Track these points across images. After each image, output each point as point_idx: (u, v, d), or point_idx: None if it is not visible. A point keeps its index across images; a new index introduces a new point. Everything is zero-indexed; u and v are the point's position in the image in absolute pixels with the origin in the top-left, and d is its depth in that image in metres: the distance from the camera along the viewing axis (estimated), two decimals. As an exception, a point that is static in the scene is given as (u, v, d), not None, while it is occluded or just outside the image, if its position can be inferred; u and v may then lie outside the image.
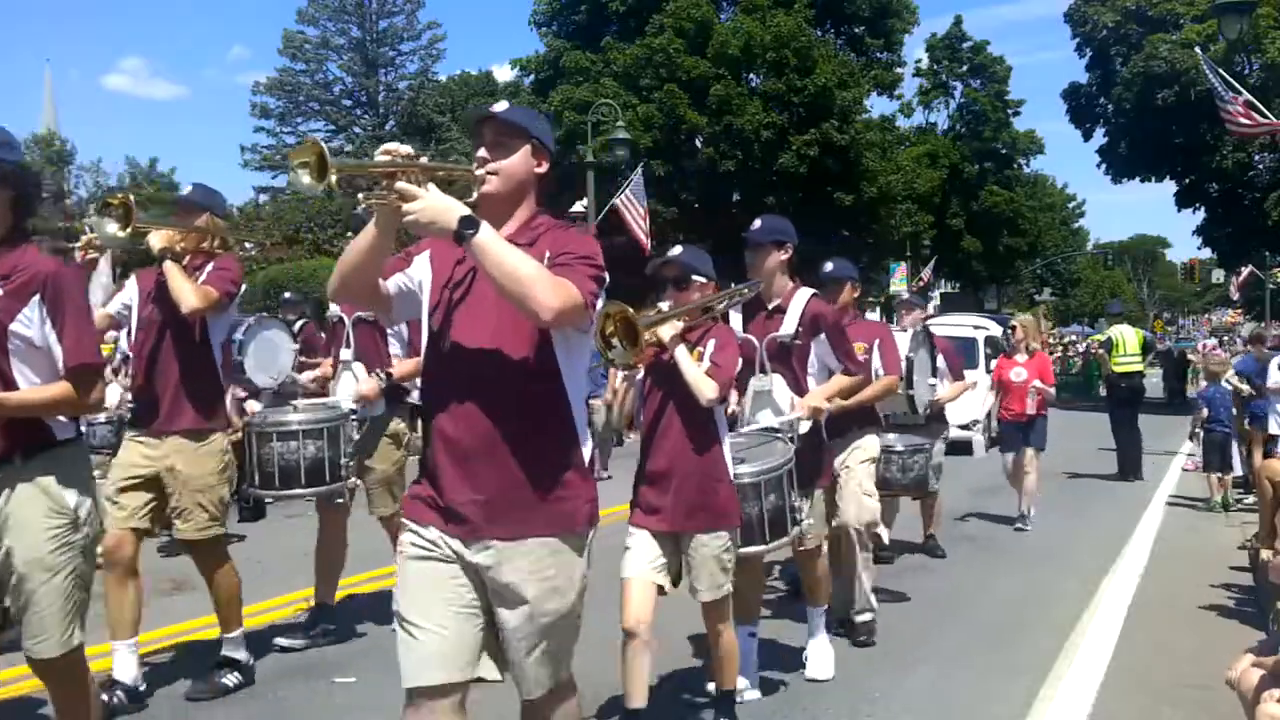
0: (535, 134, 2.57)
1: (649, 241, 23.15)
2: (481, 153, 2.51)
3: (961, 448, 12.12)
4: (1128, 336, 12.37)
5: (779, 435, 4.18)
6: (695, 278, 3.85)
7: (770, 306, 4.48)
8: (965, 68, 48.30)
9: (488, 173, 2.48)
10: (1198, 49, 22.56)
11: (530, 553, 2.45)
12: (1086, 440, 14.86)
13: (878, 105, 69.82)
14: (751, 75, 29.99)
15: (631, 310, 3.15)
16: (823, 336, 4.45)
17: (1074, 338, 39.51)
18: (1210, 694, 4.15)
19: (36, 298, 2.87)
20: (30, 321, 2.89)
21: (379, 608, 5.68)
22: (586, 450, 2.57)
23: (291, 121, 42.59)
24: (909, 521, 8.40)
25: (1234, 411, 10.17)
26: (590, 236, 2.60)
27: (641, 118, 28.29)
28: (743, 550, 3.84)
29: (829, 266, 5.45)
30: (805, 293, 4.50)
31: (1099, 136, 32.88)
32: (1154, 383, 25.07)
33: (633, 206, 22.13)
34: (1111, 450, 12.52)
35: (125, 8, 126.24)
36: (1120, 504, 10.32)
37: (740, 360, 4.15)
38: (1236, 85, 16.34)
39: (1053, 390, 9.27)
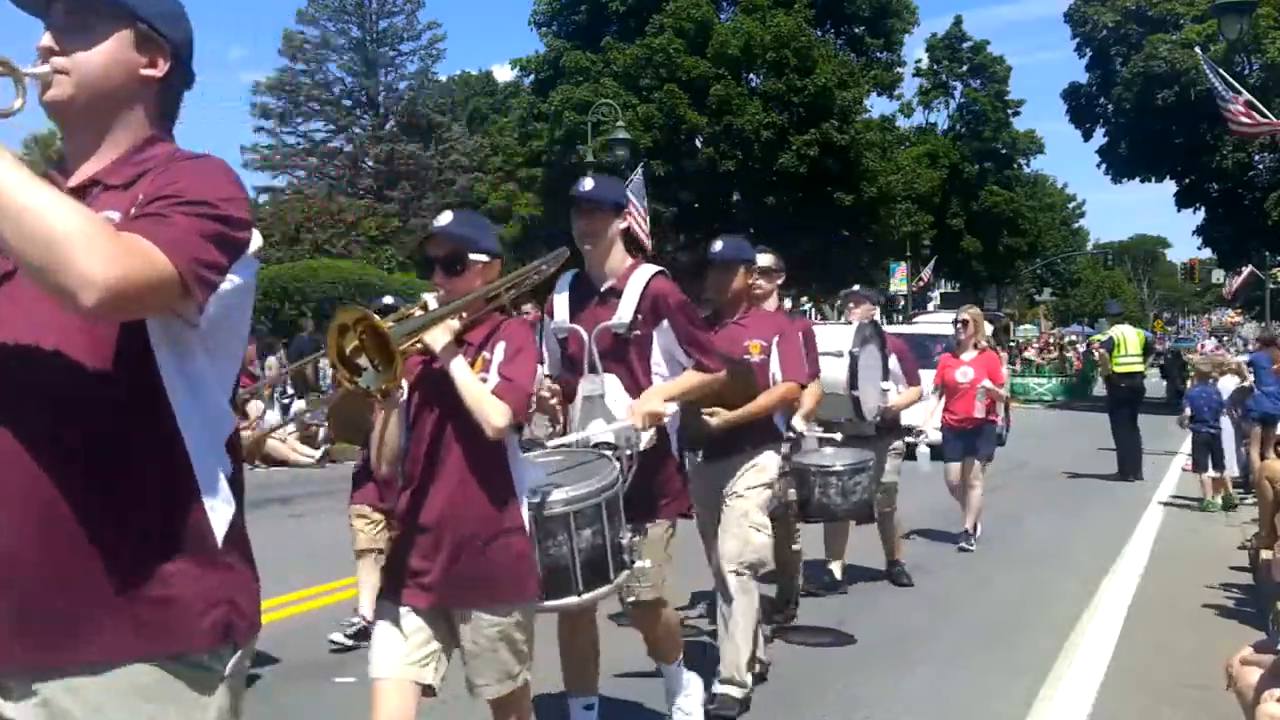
0: (141, 12, 1.57)
1: (650, 242, 23.17)
2: (46, 40, 1.57)
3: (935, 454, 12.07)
4: (1129, 336, 12.37)
5: (612, 453, 3.21)
6: (474, 257, 2.77)
7: (602, 289, 3.51)
8: (965, 68, 48.34)
9: (55, 70, 1.56)
10: (1198, 49, 22.57)
11: (105, 689, 1.41)
12: (1086, 440, 14.87)
13: (878, 105, 69.89)
14: (751, 75, 30.00)
15: (376, 316, 2.38)
16: (666, 324, 3.46)
17: (1074, 337, 39.50)
18: (1210, 694, 4.15)
19: None
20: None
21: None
22: (223, 516, 1.53)
23: (291, 121, 42.56)
24: (909, 522, 8.40)
25: (1231, 412, 10.16)
26: (224, 172, 1.57)
27: (641, 118, 28.29)
28: (548, 603, 2.90)
29: (717, 246, 4.45)
30: (646, 271, 3.51)
31: (1099, 136, 32.94)
32: (1154, 383, 25.09)
33: (633, 207, 22.14)
34: (1111, 450, 12.52)
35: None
36: (1120, 504, 10.32)
37: (548, 363, 3.60)
38: (1236, 85, 16.34)
39: (1004, 391, 8.26)
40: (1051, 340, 41.42)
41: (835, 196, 29.09)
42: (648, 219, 22.78)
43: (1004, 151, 48.04)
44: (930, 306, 57.00)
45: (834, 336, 5.52)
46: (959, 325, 8.15)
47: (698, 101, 28.69)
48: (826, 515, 5.11)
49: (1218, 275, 52.22)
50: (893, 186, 31.12)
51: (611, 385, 3.41)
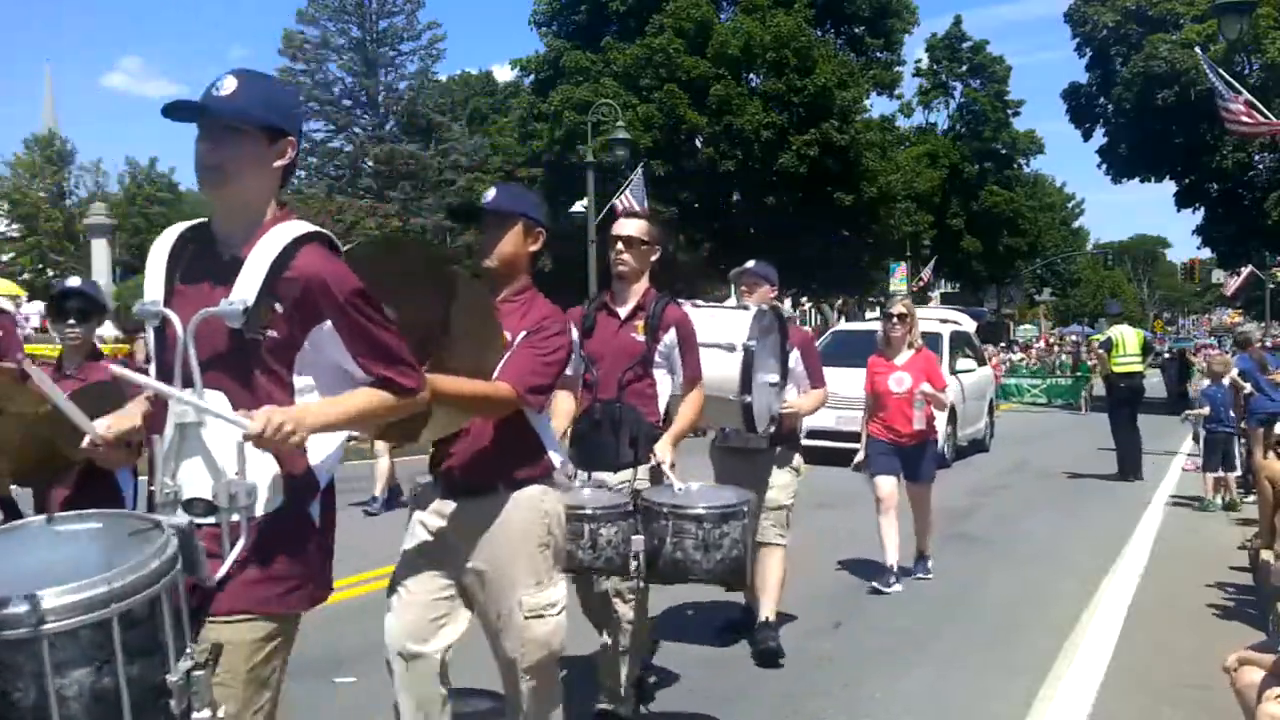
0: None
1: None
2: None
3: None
4: (1128, 337, 12.39)
5: (201, 518, 2.01)
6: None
7: (227, 259, 2.14)
8: (965, 68, 48.37)
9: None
10: (1198, 49, 22.58)
11: None
12: (1086, 440, 14.88)
13: (878, 105, 69.93)
14: (751, 75, 30.01)
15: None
16: (328, 324, 2.15)
17: (1074, 337, 39.50)
18: (1210, 694, 4.16)
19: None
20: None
21: (378, 607, 5.68)
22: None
23: (291, 121, 42.57)
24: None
25: (1231, 413, 10.18)
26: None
27: (641, 118, 28.29)
28: None
29: (489, 194, 3.24)
30: (288, 230, 2.12)
31: (1099, 136, 32.93)
32: (1154, 383, 25.07)
33: (631, 207, 22.16)
34: (1111, 450, 12.52)
35: (124, 7, 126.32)
36: (1120, 504, 10.32)
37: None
38: (1236, 85, 16.34)
39: (945, 397, 6.83)
40: (1053, 341, 41.44)
41: (835, 196, 29.09)
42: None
43: (1004, 151, 48.08)
44: (930, 306, 56.91)
45: (725, 324, 4.30)
46: (891, 322, 6.72)
47: (698, 101, 28.70)
48: (680, 574, 3.41)
49: (1218, 275, 52.27)
50: (893, 186, 31.12)
51: (216, 404, 2.05)
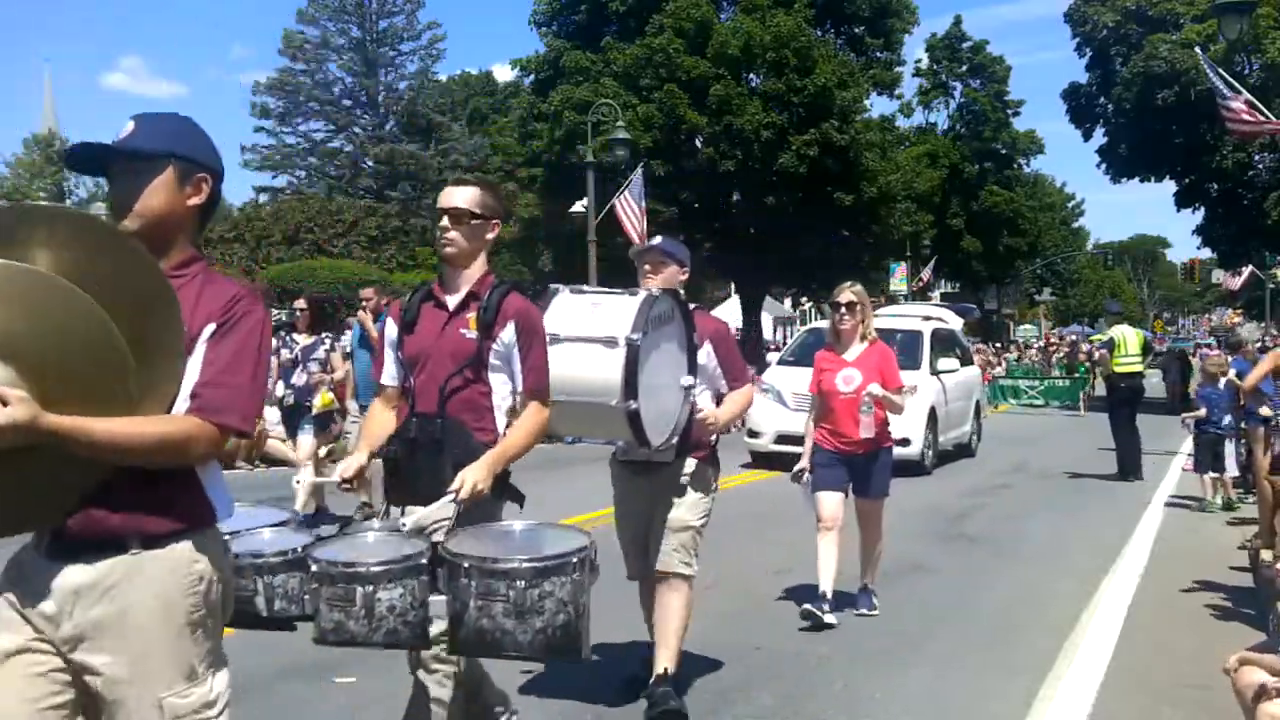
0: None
1: (642, 241, 23.18)
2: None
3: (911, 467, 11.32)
4: (1129, 337, 12.42)
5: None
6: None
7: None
8: (965, 68, 48.40)
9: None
10: (1198, 49, 22.58)
11: None
12: (1086, 440, 14.88)
13: (878, 105, 69.96)
14: (751, 75, 30.01)
15: None
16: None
17: (1074, 337, 39.48)
18: (1210, 694, 4.16)
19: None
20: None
21: (379, 608, 5.68)
22: None
23: (291, 121, 42.61)
24: (907, 522, 8.40)
25: (1228, 415, 10.18)
26: None
27: (641, 118, 28.30)
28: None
29: None
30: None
31: (1099, 136, 32.95)
32: (1153, 383, 25.05)
33: (629, 206, 22.18)
34: (1111, 450, 12.53)
35: (124, 7, 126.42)
36: (1120, 504, 10.32)
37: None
38: (1236, 85, 16.34)
39: (900, 399, 5.72)
40: (1054, 341, 41.42)
41: (835, 196, 29.09)
42: (644, 219, 22.82)
43: (1004, 151, 48.11)
44: (929, 303, 56.90)
45: (608, 315, 3.61)
46: (839, 312, 5.77)
47: (698, 101, 28.69)
48: (490, 648, 2.63)
49: (1218, 275, 52.31)
50: (893, 186, 31.12)
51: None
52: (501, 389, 3.12)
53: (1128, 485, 11.71)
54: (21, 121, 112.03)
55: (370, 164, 42.09)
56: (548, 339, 3.20)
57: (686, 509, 4.12)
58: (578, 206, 24.98)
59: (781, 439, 11.93)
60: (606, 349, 3.47)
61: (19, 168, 53.03)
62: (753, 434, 12.62)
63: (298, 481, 5.90)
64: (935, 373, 12.91)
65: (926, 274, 42.24)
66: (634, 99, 28.70)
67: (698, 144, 29.82)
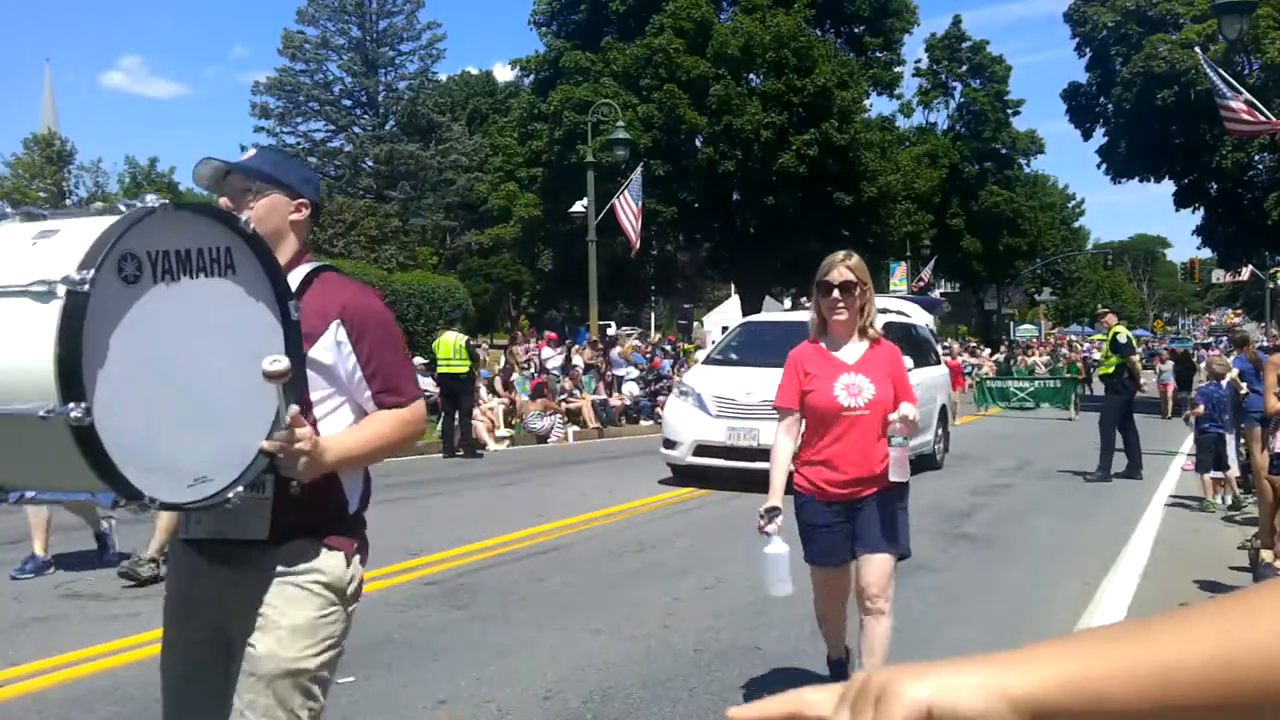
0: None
1: (638, 241, 23.25)
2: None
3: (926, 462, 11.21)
4: (1131, 338, 12.59)
5: None
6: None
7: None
8: (965, 68, 48.43)
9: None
10: (1197, 48, 22.60)
11: None
12: (1087, 440, 14.86)
13: (877, 105, 70.05)
14: (751, 75, 30.03)
15: None
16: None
17: (1074, 338, 39.48)
18: (1210, 694, 4.15)
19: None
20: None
21: (379, 608, 5.69)
22: None
23: (291, 121, 42.62)
24: (912, 518, 8.40)
25: (1227, 416, 10.18)
26: None
27: (641, 118, 28.32)
28: None
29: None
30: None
31: (1099, 136, 32.99)
32: (1152, 384, 25.00)
33: (627, 206, 22.19)
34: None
35: (124, 7, 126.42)
36: (1120, 504, 10.32)
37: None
38: (1236, 85, 16.34)
39: (914, 412, 3.81)
40: (1055, 341, 41.43)
41: (835, 196, 29.12)
42: (640, 218, 22.84)
43: (1004, 151, 48.16)
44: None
45: (49, 248, 1.82)
46: (830, 296, 3.89)
47: (698, 101, 28.72)
48: None
49: (1218, 275, 52.32)
50: (892, 186, 31.15)
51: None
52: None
53: (1128, 485, 11.71)
54: (21, 121, 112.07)
55: (370, 164, 42.08)
56: None
57: (291, 637, 2.17)
58: (578, 206, 24.98)
59: (701, 450, 10.43)
60: (37, 304, 1.71)
61: (19, 167, 53.05)
62: (669, 444, 10.93)
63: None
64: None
65: (926, 274, 42.24)
66: (634, 99, 28.72)
67: (698, 144, 29.84)
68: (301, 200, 2.36)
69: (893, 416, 3.73)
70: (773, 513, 3.78)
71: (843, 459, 3.84)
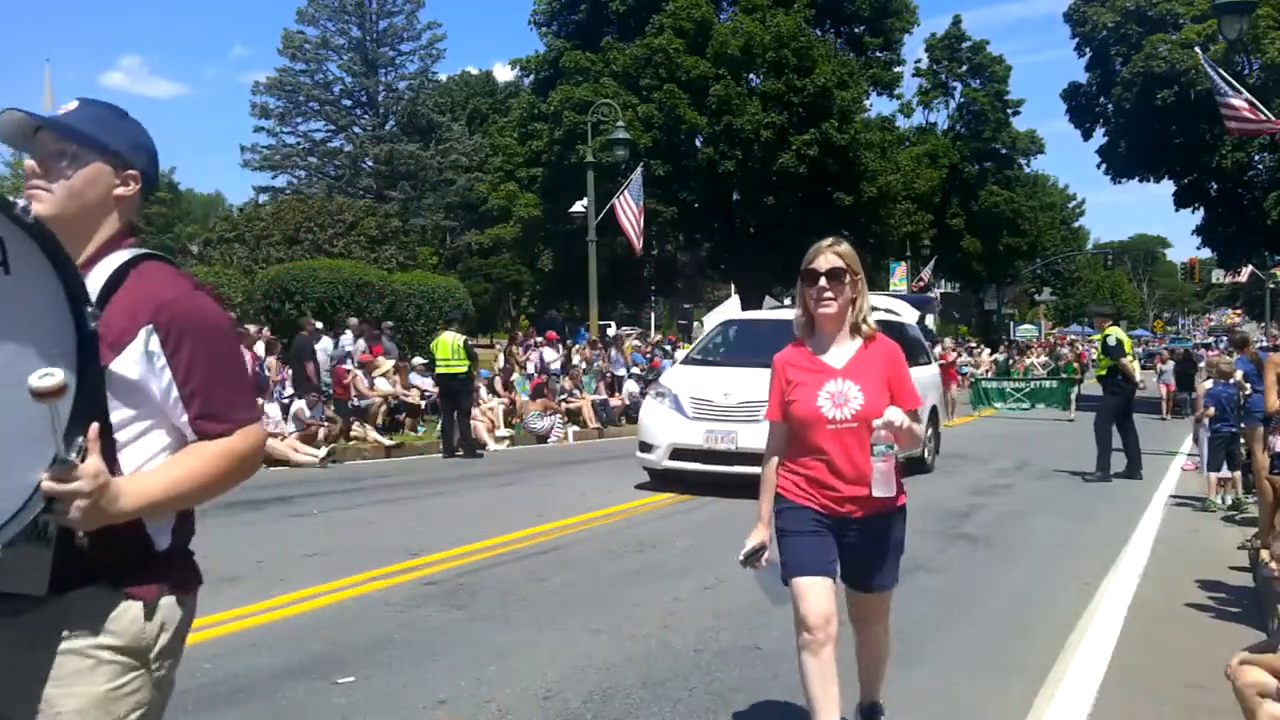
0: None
1: (640, 241, 23.25)
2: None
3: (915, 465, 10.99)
4: (1123, 338, 12.59)
5: None
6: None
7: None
8: (965, 68, 48.47)
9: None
10: (1197, 48, 22.61)
11: None
12: (1086, 440, 14.86)
13: (877, 105, 70.05)
14: (751, 75, 30.04)
15: None
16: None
17: (1075, 338, 39.47)
18: (1210, 694, 4.16)
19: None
20: None
21: (378, 608, 5.69)
22: None
23: (291, 121, 42.62)
24: (908, 521, 8.41)
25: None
26: None
27: (641, 118, 28.32)
28: None
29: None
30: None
31: (1099, 136, 33.01)
32: (1153, 384, 24.99)
33: (627, 206, 22.18)
34: (1112, 451, 12.54)
35: (124, 6, 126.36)
36: (1120, 504, 10.32)
37: None
38: (1236, 85, 16.35)
39: (920, 427, 3.75)
40: (1053, 342, 41.41)
41: (835, 196, 29.13)
42: (642, 218, 22.84)
43: (1004, 151, 48.20)
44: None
45: None
46: (816, 285, 3.41)
47: (698, 101, 28.72)
48: None
49: (1218, 275, 52.35)
50: (892, 186, 31.16)
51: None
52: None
53: (1128, 485, 11.72)
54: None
55: (370, 164, 42.09)
56: None
57: (77, 707, 1.76)
58: (578, 206, 24.99)
59: (678, 453, 10.00)
60: None
61: (19, 167, 53.03)
62: (644, 447, 10.49)
63: None
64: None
65: (926, 274, 42.28)
66: (634, 99, 28.73)
67: (698, 144, 29.85)
68: (131, 172, 1.94)
69: (877, 422, 3.23)
70: (755, 555, 3.46)
71: (832, 476, 3.36)
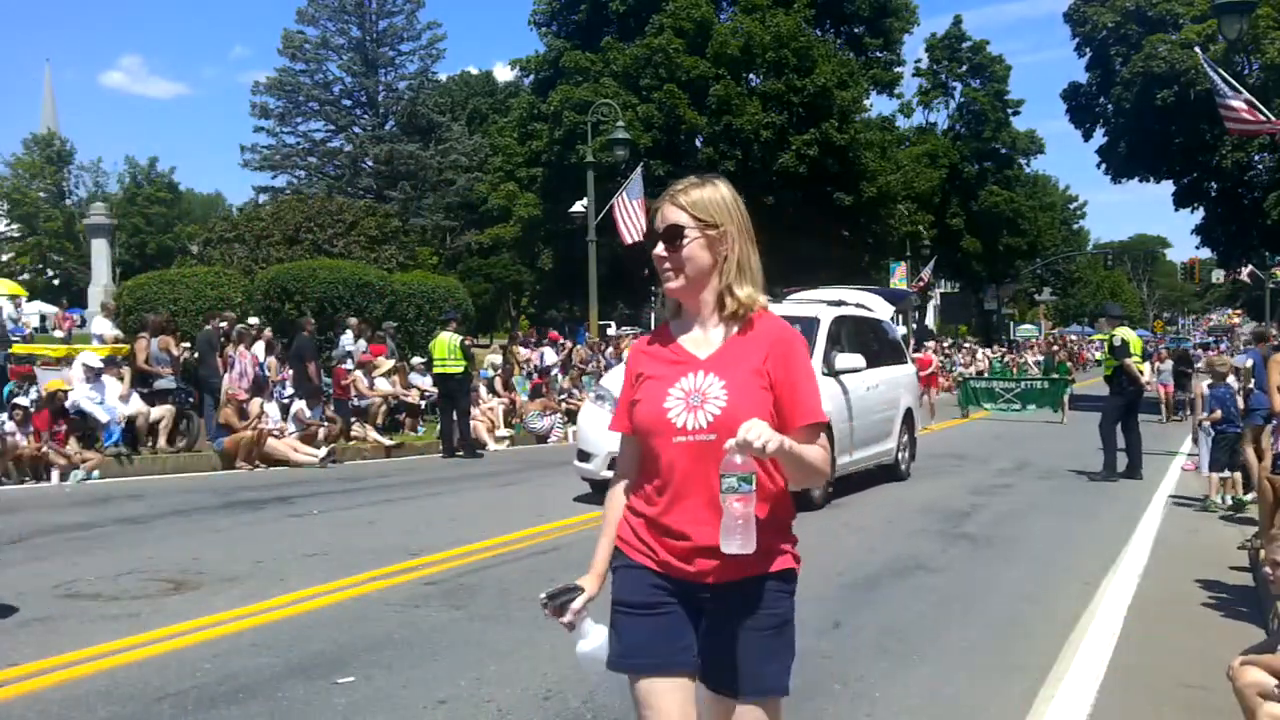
0: None
1: (644, 239, 23.22)
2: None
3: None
4: (1131, 339, 12.59)
5: None
6: None
7: None
8: (965, 67, 48.47)
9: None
10: (1197, 48, 22.61)
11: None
12: (1086, 440, 14.87)
13: (877, 105, 70.04)
14: (751, 75, 30.06)
15: None
16: None
17: (1073, 337, 39.48)
18: (1210, 694, 4.16)
19: None
20: None
21: (378, 608, 5.69)
22: None
23: (291, 121, 42.63)
24: (908, 520, 8.39)
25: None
26: None
27: (641, 118, 28.33)
28: None
29: None
30: None
31: (1099, 136, 33.03)
32: (1152, 384, 24.95)
33: (627, 206, 22.17)
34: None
35: (124, 6, 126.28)
36: (1120, 504, 10.32)
37: None
38: (1236, 85, 16.35)
39: (816, 452, 2.23)
40: (1052, 341, 41.40)
41: (835, 196, 29.14)
42: (641, 217, 22.80)
43: (1004, 151, 48.20)
44: (930, 307, 56.98)
45: None
46: (656, 251, 2.31)
47: (698, 101, 28.73)
48: None
49: (1218, 275, 52.36)
50: (892, 186, 31.18)
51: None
52: None
53: (1128, 485, 11.72)
54: (21, 121, 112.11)
55: (370, 164, 42.09)
56: None
57: None
58: (578, 206, 24.99)
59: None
60: None
61: (19, 168, 53.05)
62: (583, 456, 9.60)
63: None
64: (832, 373, 9.61)
65: (926, 274, 42.27)
66: (634, 99, 28.73)
67: (698, 144, 29.86)
68: None
69: (729, 443, 2.03)
70: (565, 595, 2.34)
71: (678, 517, 2.23)
